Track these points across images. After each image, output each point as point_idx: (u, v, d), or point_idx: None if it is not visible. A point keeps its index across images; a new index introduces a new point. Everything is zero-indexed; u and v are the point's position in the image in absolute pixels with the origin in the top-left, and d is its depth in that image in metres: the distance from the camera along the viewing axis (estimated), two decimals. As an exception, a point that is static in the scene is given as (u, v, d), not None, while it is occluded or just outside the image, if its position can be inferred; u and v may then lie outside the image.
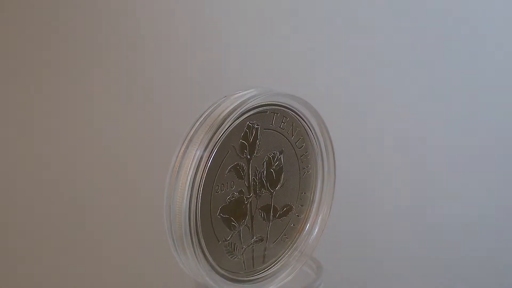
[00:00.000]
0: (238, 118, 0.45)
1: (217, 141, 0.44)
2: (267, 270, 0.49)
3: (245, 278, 0.48)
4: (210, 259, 0.45)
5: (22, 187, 0.66)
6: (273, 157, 0.47)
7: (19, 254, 0.67)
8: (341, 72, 0.72)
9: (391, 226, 0.74)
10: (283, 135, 0.47)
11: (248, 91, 0.46)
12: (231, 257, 0.46)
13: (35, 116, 0.66)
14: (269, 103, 0.46)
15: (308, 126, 0.49)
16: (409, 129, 0.73)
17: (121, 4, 0.67)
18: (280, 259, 0.49)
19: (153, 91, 0.67)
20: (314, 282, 0.49)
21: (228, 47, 0.69)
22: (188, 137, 0.44)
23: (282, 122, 0.47)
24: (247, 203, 0.46)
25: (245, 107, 0.44)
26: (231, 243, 0.46)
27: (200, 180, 0.43)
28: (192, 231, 0.43)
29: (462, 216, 0.73)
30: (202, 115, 0.45)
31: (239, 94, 0.46)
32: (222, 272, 0.46)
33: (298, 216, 0.50)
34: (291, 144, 0.48)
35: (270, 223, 0.48)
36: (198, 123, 0.44)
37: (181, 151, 0.44)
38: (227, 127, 0.44)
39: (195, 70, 0.67)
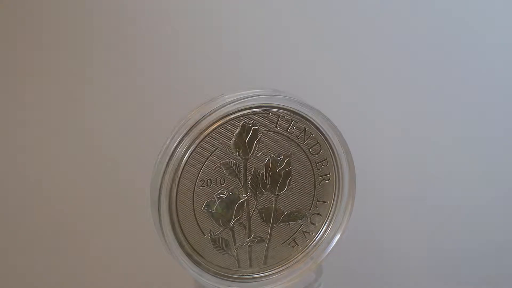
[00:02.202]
0: (226, 116, 0.45)
1: (198, 136, 0.44)
2: (269, 271, 0.48)
3: (240, 276, 0.48)
4: (189, 249, 0.46)
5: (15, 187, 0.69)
6: (277, 160, 0.46)
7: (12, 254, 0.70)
8: (347, 74, 0.69)
9: (392, 226, 0.72)
10: (292, 139, 0.46)
11: (248, 91, 0.46)
12: (220, 252, 0.47)
13: (26, 116, 0.68)
14: (271, 104, 0.46)
15: (323, 134, 0.47)
16: (418, 131, 0.71)
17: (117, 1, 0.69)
18: (287, 263, 0.49)
19: (167, 93, 0.68)
20: (314, 282, 0.48)
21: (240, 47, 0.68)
22: (175, 131, 0.46)
23: (290, 126, 0.46)
24: (243, 202, 0.46)
25: (234, 107, 0.45)
26: (220, 238, 0.47)
27: (176, 171, 0.44)
28: (164, 218, 0.45)
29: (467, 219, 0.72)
30: (194, 110, 0.46)
31: (237, 93, 0.46)
32: (207, 265, 0.47)
33: (313, 224, 0.48)
34: (302, 149, 0.47)
35: (273, 226, 0.47)
36: (188, 117, 0.46)
37: (166, 143, 0.46)
38: (210, 123, 0.44)
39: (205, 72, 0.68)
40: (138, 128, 0.68)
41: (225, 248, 0.47)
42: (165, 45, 0.68)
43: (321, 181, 0.48)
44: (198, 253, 0.46)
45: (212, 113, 0.45)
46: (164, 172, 0.44)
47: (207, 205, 0.46)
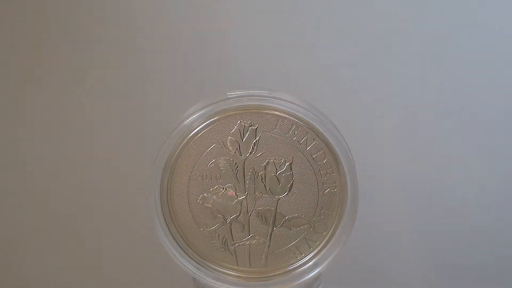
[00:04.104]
0: (223, 113, 0.44)
1: (193, 129, 0.45)
2: (269, 273, 0.48)
3: (239, 275, 0.48)
4: (180, 238, 0.47)
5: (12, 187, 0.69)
6: (277, 163, 0.45)
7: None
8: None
9: (392, 227, 0.69)
10: (293, 144, 0.45)
11: (249, 91, 0.45)
12: (217, 248, 0.47)
13: (25, 116, 0.68)
14: (271, 106, 0.44)
15: (328, 143, 0.44)
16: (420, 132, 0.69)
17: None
18: (288, 267, 0.47)
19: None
20: (313, 282, 0.47)
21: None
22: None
23: (291, 130, 0.44)
24: (241, 201, 0.46)
25: (231, 105, 0.44)
26: (216, 233, 0.47)
27: (168, 161, 0.45)
28: (156, 207, 0.46)
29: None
30: (193, 105, 0.46)
31: (237, 92, 0.45)
32: (203, 260, 0.47)
33: (317, 232, 0.46)
34: (304, 155, 0.45)
35: (273, 229, 0.46)
36: (187, 112, 0.46)
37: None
38: (207, 118, 0.45)
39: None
40: (138, 128, 0.68)
41: (222, 244, 0.47)
42: (167, 45, 0.68)
43: (326, 189, 0.45)
44: (192, 244, 0.47)
45: (208, 108, 0.44)
46: (156, 161, 0.45)
47: (203, 199, 0.46)
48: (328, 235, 0.46)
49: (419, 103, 0.69)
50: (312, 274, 0.47)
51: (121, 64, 0.68)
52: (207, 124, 0.45)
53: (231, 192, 0.46)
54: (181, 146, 0.45)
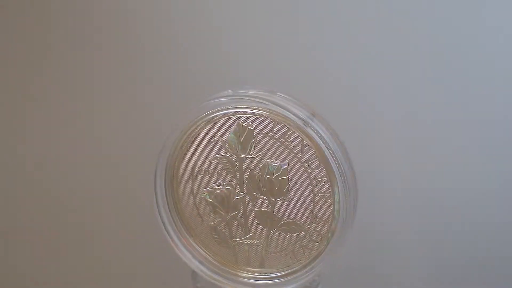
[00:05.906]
0: (219, 111, 0.45)
1: (192, 125, 0.45)
2: (267, 274, 0.48)
3: (237, 273, 0.48)
4: (182, 228, 0.48)
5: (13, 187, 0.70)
6: (273, 166, 0.45)
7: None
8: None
9: (391, 227, 0.69)
10: (289, 148, 0.45)
11: (249, 91, 0.45)
12: (218, 242, 0.48)
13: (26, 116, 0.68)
14: (268, 109, 0.44)
15: (322, 149, 0.44)
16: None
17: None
18: (285, 271, 0.48)
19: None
20: (312, 282, 0.48)
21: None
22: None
23: (287, 134, 0.44)
24: (239, 200, 0.46)
25: (227, 104, 0.44)
26: (217, 228, 0.47)
27: (171, 154, 0.46)
28: (159, 196, 0.47)
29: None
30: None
31: (239, 91, 0.45)
32: (203, 251, 0.48)
33: (312, 240, 0.46)
34: (300, 161, 0.45)
35: (270, 231, 0.47)
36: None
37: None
38: (205, 115, 0.45)
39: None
40: (139, 128, 0.69)
41: (222, 240, 0.47)
42: (169, 45, 0.68)
43: (321, 198, 0.45)
44: (195, 236, 0.48)
45: (209, 104, 0.45)
46: (160, 154, 0.46)
47: (205, 194, 0.47)
48: (323, 244, 0.46)
49: (419, 103, 0.68)
50: (309, 277, 0.47)
51: (121, 64, 0.68)
52: (207, 121, 0.45)
53: (230, 190, 0.46)
54: (182, 140, 0.46)
